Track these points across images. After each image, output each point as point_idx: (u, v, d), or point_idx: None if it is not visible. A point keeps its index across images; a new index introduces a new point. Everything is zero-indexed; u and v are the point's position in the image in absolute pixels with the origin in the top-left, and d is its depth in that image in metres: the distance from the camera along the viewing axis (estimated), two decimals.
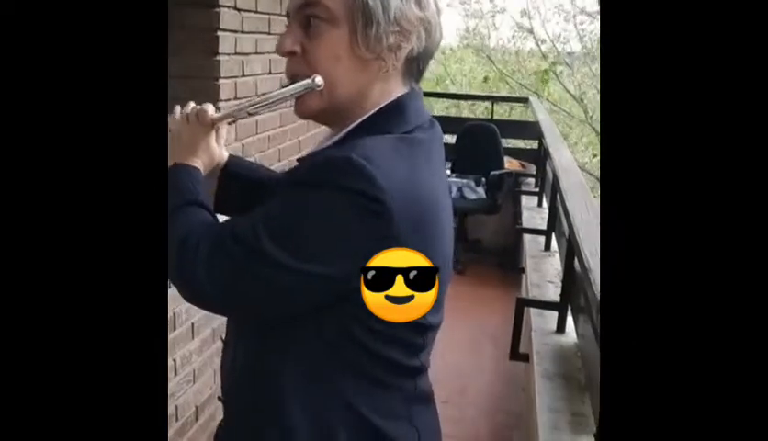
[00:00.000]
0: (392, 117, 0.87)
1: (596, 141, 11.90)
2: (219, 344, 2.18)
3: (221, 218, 0.92)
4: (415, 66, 0.89)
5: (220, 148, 1.03)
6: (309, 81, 0.84)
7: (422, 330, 0.87)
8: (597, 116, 11.74)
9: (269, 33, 2.30)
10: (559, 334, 2.27)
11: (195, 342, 1.99)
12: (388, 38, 0.84)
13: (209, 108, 0.98)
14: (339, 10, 0.83)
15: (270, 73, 2.34)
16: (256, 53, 2.21)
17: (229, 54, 2.01)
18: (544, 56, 11.69)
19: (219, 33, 1.94)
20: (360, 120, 0.87)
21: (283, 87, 0.89)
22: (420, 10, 0.85)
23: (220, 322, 2.14)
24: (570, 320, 2.29)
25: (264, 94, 1.04)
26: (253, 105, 0.96)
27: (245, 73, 2.14)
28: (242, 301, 0.82)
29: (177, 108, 1.00)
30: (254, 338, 0.89)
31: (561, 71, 12.30)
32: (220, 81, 1.98)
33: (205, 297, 0.83)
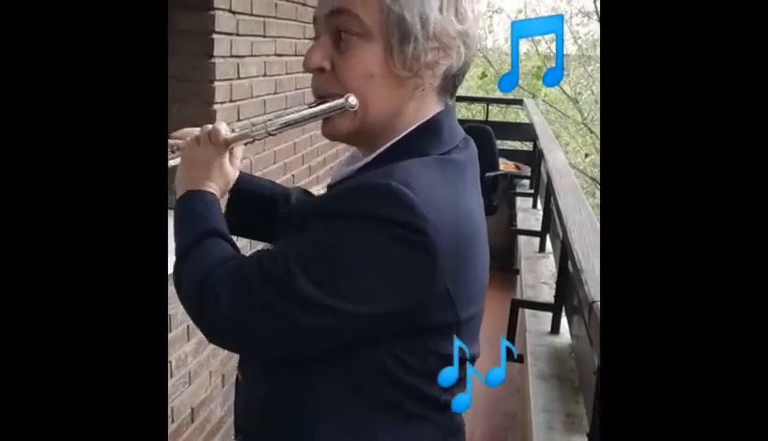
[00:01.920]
0: (428, 137, 0.81)
1: (591, 141, 11.94)
2: (214, 346, 2.19)
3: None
4: (452, 82, 0.83)
5: (234, 169, 0.95)
6: (342, 101, 0.77)
7: (446, 361, 0.81)
8: (592, 116, 11.79)
9: (264, 36, 2.31)
10: (553, 335, 2.29)
11: (190, 343, 1.99)
12: (426, 55, 0.77)
13: (223, 128, 0.90)
14: (373, 24, 0.76)
15: (265, 75, 2.34)
16: (252, 56, 2.22)
17: (224, 57, 2.02)
18: (541, 58, 11.71)
19: (214, 36, 1.94)
20: (394, 141, 0.81)
21: (310, 106, 0.82)
22: (459, 23, 0.78)
23: None
24: (564, 321, 2.31)
25: (283, 110, 0.94)
26: (275, 124, 0.85)
27: (241, 76, 2.15)
28: (273, 343, 0.77)
29: (186, 130, 0.93)
30: (274, 376, 0.84)
31: None
32: (216, 83, 1.98)
33: (231, 340, 0.79)
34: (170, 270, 0.81)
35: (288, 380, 0.82)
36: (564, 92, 12.29)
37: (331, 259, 0.71)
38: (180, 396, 1.97)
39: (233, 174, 0.95)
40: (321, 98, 0.81)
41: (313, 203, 0.80)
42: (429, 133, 0.81)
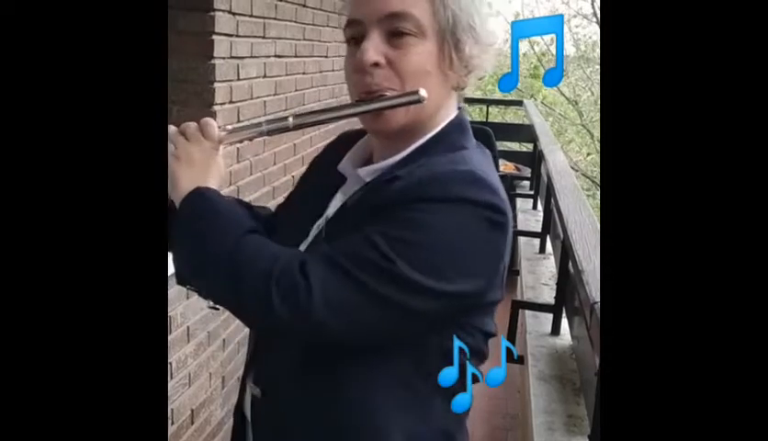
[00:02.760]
0: (461, 131, 0.86)
1: (590, 142, 11.94)
2: (214, 348, 2.19)
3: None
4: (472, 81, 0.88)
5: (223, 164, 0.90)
6: (414, 95, 0.79)
7: (488, 339, 0.86)
8: (591, 118, 11.79)
9: (264, 37, 2.31)
10: (553, 337, 2.29)
11: (190, 345, 1.99)
12: (474, 58, 0.82)
13: (213, 123, 0.86)
14: (430, 25, 0.80)
15: (265, 76, 2.34)
16: (251, 57, 2.21)
17: (224, 58, 2.01)
18: (538, 59, 11.72)
19: (214, 37, 1.94)
20: (431, 135, 0.84)
21: (366, 101, 0.82)
22: (493, 26, 0.84)
23: (215, 324, 2.15)
24: (564, 322, 2.31)
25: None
26: (306, 117, 0.88)
27: (240, 77, 2.14)
28: (368, 330, 0.75)
29: (172, 128, 0.87)
30: (332, 374, 0.81)
31: None
32: (216, 85, 1.98)
33: (325, 331, 0.74)
34: (170, 271, 0.79)
35: (354, 374, 0.80)
36: (563, 94, 12.30)
37: (427, 241, 0.73)
38: (180, 398, 1.96)
39: (223, 168, 0.90)
40: (371, 94, 0.81)
41: (386, 195, 0.78)
42: (461, 128, 0.86)
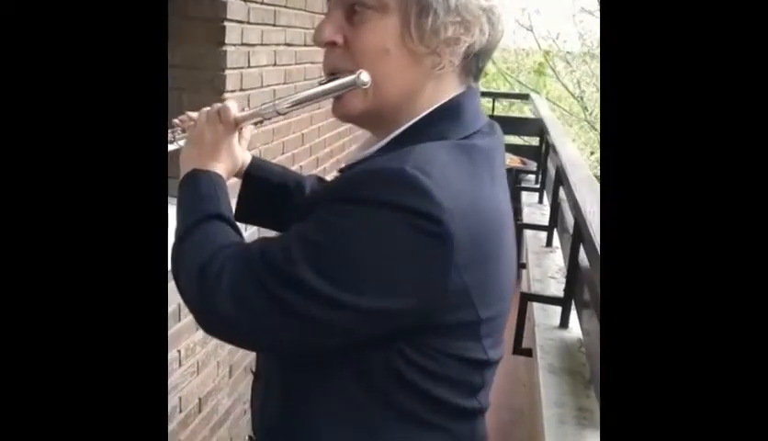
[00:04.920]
0: (448, 120, 0.75)
1: (595, 138, 11.91)
2: None
3: (242, 227, 0.83)
4: (474, 62, 0.77)
5: (243, 151, 0.92)
6: (353, 77, 0.73)
7: (480, 367, 0.76)
8: (596, 113, 11.75)
9: (275, 25, 2.29)
10: (562, 330, 2.28)
11: (198, 333, 1.98)
12: (446, 29, 0.72)
13: (233, 106, 0.86)
14: None
15: (275, 64, 2.33)
16: (262, 45, 2.20)
17: (235, 45, 2.00)
18: (545, 53, 11.69)
19: (225, 23, 1.92)
20: (410, 123, 0.75)
21: (321, 84, 0.77)
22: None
23: None
24: (572, 315, 2.30)
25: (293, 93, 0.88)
26: (284, 103, 0.82)
27: (251, 65, 2.13)
28: (272, 335, 0.70)
29: (203, 111, 0.88)
30: (286, 374, 0.80)
31: (560, 69, 12.30)
32: (227, 72, 1.96)
33: (230, 329, 0.72)
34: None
35: (300, 379, 0.77)
36: (567, 89, 12.27)
37: (336, 246, 0.66)
38: (188, 386, 1.95)
39: (242, 156, 0.91)
40: (331, 75, 0.77)
41: (322, 188, 0.76)
42: (448, 116, 0.75)
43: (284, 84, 2.42)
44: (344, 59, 0.75)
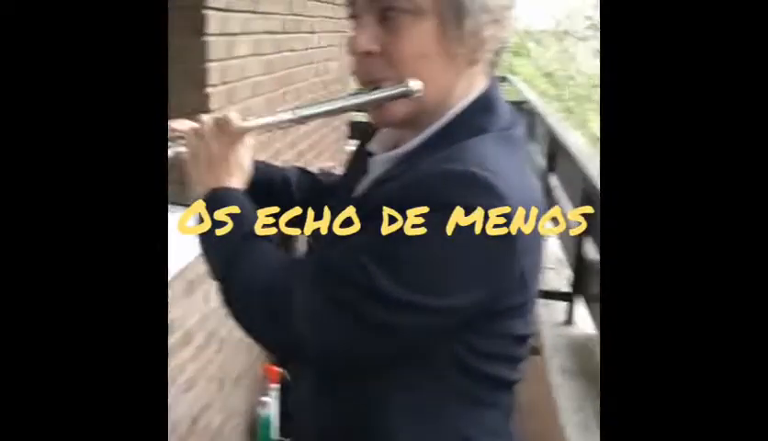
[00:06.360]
0: (484, 112, 0.77)
1: (568, 116, 11.96)
2: (213, 349, 2.05)
3: None
4: (497, 54, 0.79)
5: (248, 158, 0.88)
6: (403, 88, 0.73)
7: (523, 341, 0.80)
8: (568, 92, 11.79)
9: (255, 12, 2.14)
10: (567, 326, 2.20)
11: (188, 350, 1.85)
12: (483, 29, 0.73)
13: (234, 117, 0.83)
14: (425, 0, 0.72)
15: (256, 54, 2.18)
16: (244, 33, 2.05)
17: (216, 35, 1.85)
18: (523, 33, 11.64)
19: (206, 11, 1.77)
20: (450, 118, 0.77)
21: (359, 93, 0.78)
22: None
23: (213, 325, 2.01)
24: (577, 311, 2.22)
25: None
26: (306, 110, 0.82)
27: (233, 55, 1.98)
28: (361, 351, 0.72)
29: (186, 123, 0.85)
30: (350, 379, 0.80)
31: (530, 49, 12.30)
32: (208, 64, 1.81)
33: (313, 352, 0.73)
34: (170, 273, 0.76)
35: (362, 378, 0.78)
36: (539, 69, 12.26)
37: (413, 253, 0.67)
38: (180, 405, 1.83)
39: (249, 162, 0.88)
40: (369, 84, 0.77)
41: (385, 193, 0.72)
42: (484, 109, 0.77)
43: (265, 75, 2.27)
44: (384, 67, 0.75)
